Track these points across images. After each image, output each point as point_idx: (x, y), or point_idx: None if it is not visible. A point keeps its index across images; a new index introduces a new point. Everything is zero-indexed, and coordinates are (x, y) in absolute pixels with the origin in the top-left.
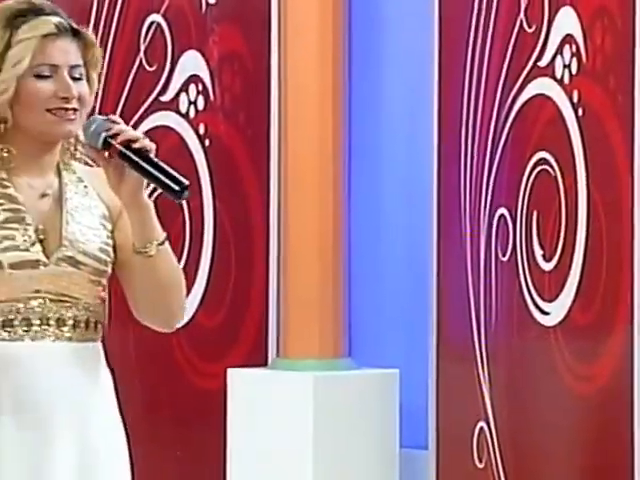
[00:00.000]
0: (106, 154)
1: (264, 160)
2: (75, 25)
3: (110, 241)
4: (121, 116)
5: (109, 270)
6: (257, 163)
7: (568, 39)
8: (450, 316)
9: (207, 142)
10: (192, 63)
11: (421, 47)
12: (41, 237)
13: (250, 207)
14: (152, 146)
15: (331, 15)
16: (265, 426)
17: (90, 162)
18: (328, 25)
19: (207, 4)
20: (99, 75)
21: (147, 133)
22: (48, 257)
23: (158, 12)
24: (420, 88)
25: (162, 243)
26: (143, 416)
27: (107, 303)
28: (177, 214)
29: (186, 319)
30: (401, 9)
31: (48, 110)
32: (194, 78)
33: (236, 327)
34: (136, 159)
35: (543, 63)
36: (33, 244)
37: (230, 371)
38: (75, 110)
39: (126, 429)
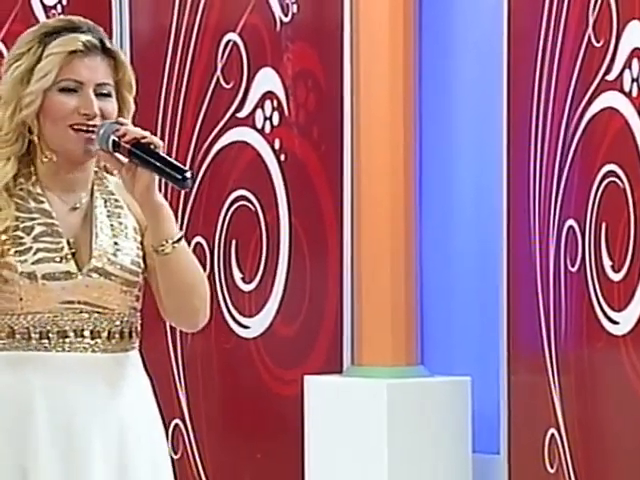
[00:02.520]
0: (118, 156)
1: (337, 174)
2: (108, 44)
3: (140, 252)
4: (199, 133)
5: (140, 280)
6: (331, 177)
7: (636, 53)
8: (520, 324)
9: (282, 157)
10: (267, 80)
11: (490, 62)
12: (73, 250)
13: (324, 220)
14: (159, 143)
15: (402, 32)
16: (340, 431)
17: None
18: (399, 42)
19: (282, 23)
20: (135, 98)
21: (225, 149)
22: (80, 269)
23: (234, 31)
24: (489, 101)
25: (178, 241)
26: (222, 422)
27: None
28: (254, 228)
29: (264, 328)
30: (471, 25)
31: (70, 126)
32: (269, 95)
33: (312, 336)
34: (143, 155)
35: (611, 77)
36: (65, 256)
37: (306, 378)
38: (95, 127)
39: (196, 434)
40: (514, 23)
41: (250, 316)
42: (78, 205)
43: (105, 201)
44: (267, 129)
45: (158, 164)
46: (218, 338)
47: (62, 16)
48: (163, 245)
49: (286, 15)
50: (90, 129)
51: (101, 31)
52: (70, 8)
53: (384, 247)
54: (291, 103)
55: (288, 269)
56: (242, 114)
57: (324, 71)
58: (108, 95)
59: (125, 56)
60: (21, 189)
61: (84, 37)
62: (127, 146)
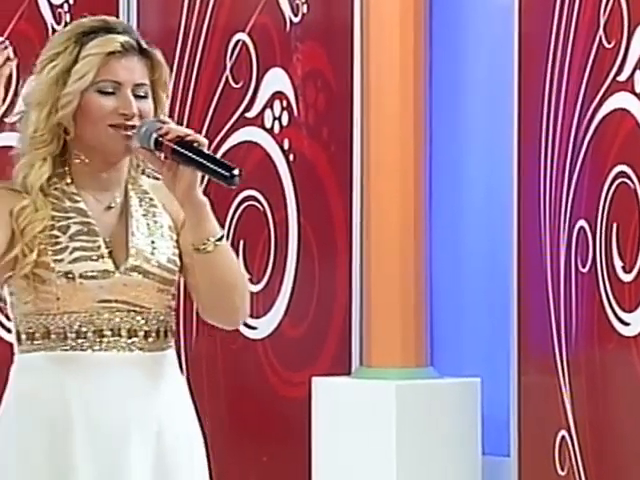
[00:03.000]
0: (159, 154)
1: (347, 174)
2: (144, 45)
3: (176, 250)
4: (208, 132)
5: (177, 279)
6: (340, 177)
7: None
8: (531, 325)
9: (291, 157)
10: (277, 80)
11: (501, 62)
12: (110, 248)
13: (333, 220)
14: (204, 141)
15: (412, 32)
16: (348, 433)
17: (158, 176)
18: (409, 42)
19: (291, 23)
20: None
21: (233, 148)
22: (117, 267)
23: (244, 31)
24: (500, 101)
25: (219, 240)
26: (229, 424)
27: (193, 313)
28: (262, 228)
29: (271, 329)
30: (481, 25)
31: (109, 125)
32: (278, 95)
33: (320, 337)
34: (187, 153)
35: (622, 78)
36: (102, 255)
37: (314, 380)
38: (134, 127)
39: (206, 436)
40: (525, 23)
41: (257, 317)
42: (113, 204)
43: (140, 200)
44: (276, 129)
45: (204, 162)
46: (224, 339)
47: (97, 16)
48: (205, 243)
49: (296, 15)
50: (129, 128)
51: (136, 31)
52: (77, 7)
53: (393, 248)
54: (300, 103)
55: (296, 270)
56: (251, 114)
57: (334, 71)
58: (145, 96)
59: (162, 56)
60: (55, 189)
61: (122, 38)
62: (171, 144)
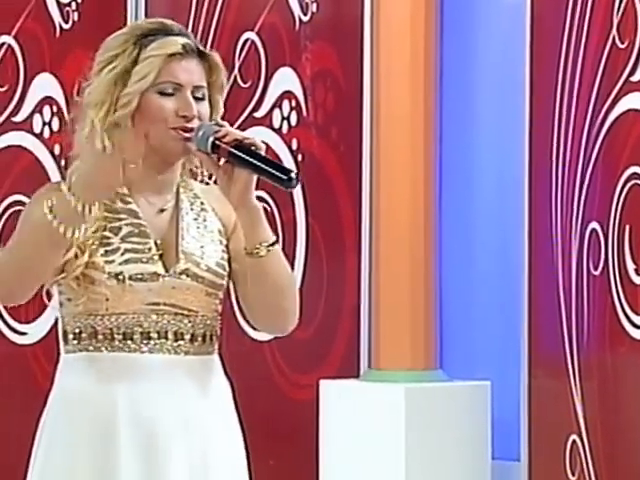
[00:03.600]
0: (215, 157)
1: (356, 175)
2: (202, 47)
3: (225, 255)
4: None
5: (225, 283)
6: (349, 178)
7: None
8: (542, 328)
9: (300, 157)
10: (286, 79)
11: (512, 61)
12: (160, 251)
13: (342, 221)
14: (261, 144)
15: (423, 31)
16: (357, 437)
17: (209, 181)
18: (420, 41)
19: (300, 22)
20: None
21: None
22: (167, 270)
23: (252, 30)
24: (512, 103)
25: (273, 244)
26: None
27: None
28: (270, 227)
29: None
30: (492, 23)
31: (169, 127)
32: (287, 94)
33: (328, 339)
34: (244, 156)
35: (636, 78)
36: (153, 257)
37: (322, 382)
38: (193, 129)
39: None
40: (537, 22)
41: None
42: (165, 207)
43: (191, 204)
44: (285, 129)
45: (261, 165)
46: (231, 341)
47: (154, 19)
48: (257, 248)
49: (305, 14)
50: (188, 130)
51: (191, 34)
52: (85, 6)
53: (403, 249)
54: (309, 103)
55: (304, 270)
56: (259, 114)
57: (343, 71)
58: (203, 98)
59: (219, 59)
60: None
61: (182, 40)
62: (228, 147)
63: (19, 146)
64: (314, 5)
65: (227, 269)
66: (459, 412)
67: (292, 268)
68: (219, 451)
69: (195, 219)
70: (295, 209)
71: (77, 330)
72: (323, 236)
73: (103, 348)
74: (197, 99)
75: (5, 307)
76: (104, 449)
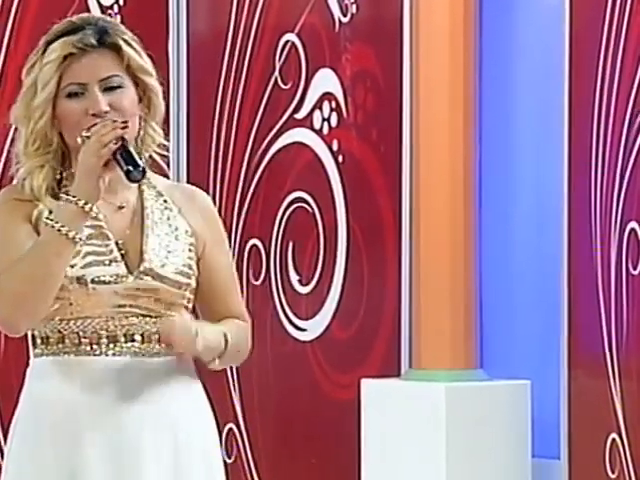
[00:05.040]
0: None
1: (396, 175)
2: (106, 37)
3: (192, 255)
4: (257, 133)
5: (192, 283)
6: (389, 178)
7: None
8: (581, 327)
9: (340, 158)
10: (326, 81)
11: (551, 62)
12: (122, 251)
13: (382, 221)
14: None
15: (462, 32)
16: (398, 435)
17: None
18: (459, 42)
19: (340, 23)
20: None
21: (282, 150)
22: (130, 272)
23: (293, 31)
24: (550, 102)
25: (220, 355)
26: (278, 425)
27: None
28: (311, 230)
29: (320, 331)
30: (532, 25)
31: (82, 129)
32: (327, 95)
33: (369, 339)
34: (118, 157)
35: None
36: (115, 259)
37: (364, 382)
38: (113, 122)
39: (250, 439)
40: (576, 23)
41: (307, 319)
42: (125, 204)
43: (154, 202)
44: (325, 130)
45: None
46: (274, 341)
47: (65, 19)
48: (212, 364)
49: (345, 15)
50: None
51: (104, 22)
52: (127, 9)
53: (443, 249)
54: (349, 104)
55: (345, 271)
56: (300, 115)
57: (383, 72)
58: (118, 87)
59: (133, 40)
60: (66, 192)
61: (76, 37)
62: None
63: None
64: (354, 6)
65: (194, 269)
66: (499, 411)
67: (333, 269)
68: (191, 453)
69: (160, 218)
70: (336, 209)
71: (44, 335)
72: (363, 236)
73: (70, 352)
74: (110, 89)
75: None
76: (71, 452)
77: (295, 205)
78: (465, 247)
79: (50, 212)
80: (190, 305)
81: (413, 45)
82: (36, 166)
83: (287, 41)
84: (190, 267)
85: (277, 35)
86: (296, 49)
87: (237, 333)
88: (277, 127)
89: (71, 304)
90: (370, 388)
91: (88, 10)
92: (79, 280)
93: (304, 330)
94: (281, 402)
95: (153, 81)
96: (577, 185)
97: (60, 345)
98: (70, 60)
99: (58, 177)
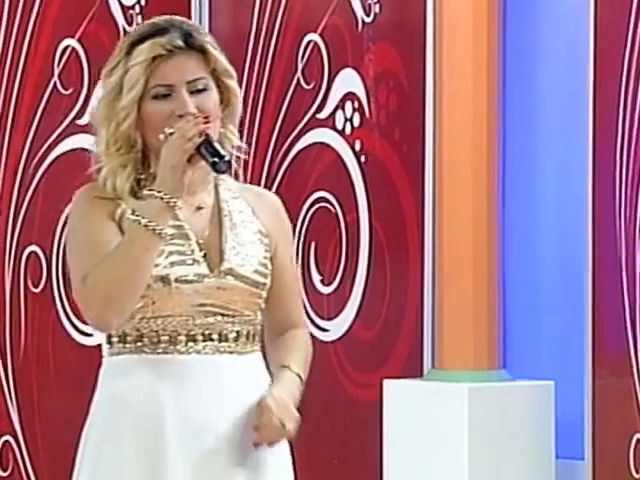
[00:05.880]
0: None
1: (419, 175)
2: (193, 39)
3: (268, 254)
4: (279, 133)
5: (268, 282)
6: (412, 179)
7: None
8: (605, 327)
9: (363, 158)
10: (348, 81)
11: (576, 62)
12: (203, 251)
13: (405, 222)
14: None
15: (486, 32)
16: (420, 436)
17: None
18: (483, 42)
19: (363, 23)
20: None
21: (305, 150)
22: (212, 271)
23: (315, 31)
24: (575, 102)
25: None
26: (300, 425)
27: None
28: (334, 230)
29: (343, 331)
30: (556, 23)
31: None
32: (350, 95)
33: (392, 339)
34: (203, 152)
35: None
36: (197, 258)
37: (386, 382)
38: (195, 117)
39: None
40: (600, 22)
41: (329, 319)
42: (203, 205)
43: (231, 203)
44: (347, 130)
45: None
46: None
47: (148, 21)
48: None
49: (368, 15)
50: None
51: (188, 25)
52: (149, 8)
53: (466, 249)
54: (372, 104)
55: (368, 271)
56: (322, 115)
57: (406, 72)
58: (203, 90)
59: (216, 44)
60: (149, 189)
61: (164, 39)
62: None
63: (84, 149)
64: (377, 6)
65: (269, 268)
66: (523, 412)
67: (355, 269)
68: (266, 450)
69: (237, 218)
70: (359, 210)
71: (122, 332)
72: (386, 237)
73: (148, 350)
74: (197, 92)
75: (72, 308)
76: (152, 451)
77: (317, 205)
78: (488, 246)
79: (133, 211)
80: (264, 305)
81: (436, 45)
82: (119, 166)
83: (310, 41)
84: (266, 266)
85: (300, 35)
86: (319, 49)
87: (305, 357)
88: (299, 127)
89: (153, 303)
90: (392, 389)
91: (109, 9)
92: (163, 279)
93: (326, 330)
94: (303, 402)
95: (234, 83)
96: (602, 184)
97: (138, 343)
98: (157, 62)
99: (138, 178)
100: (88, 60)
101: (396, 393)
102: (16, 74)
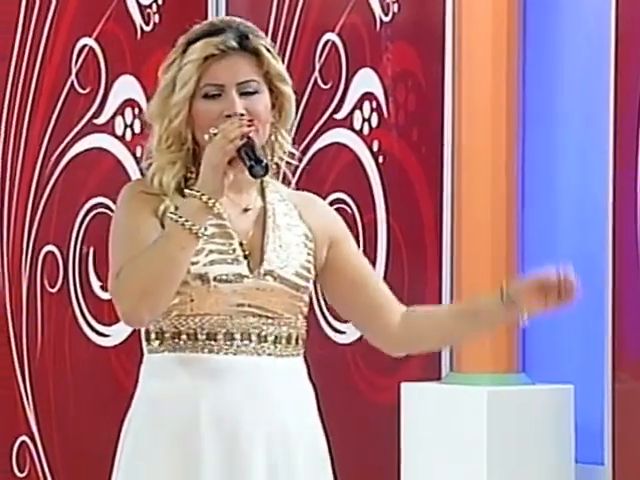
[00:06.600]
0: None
1: (437, 176)
2: (247, 41)
3: (311, 259)
4: (296, 133)
5: (310, 287)
6: (430, 179)
7: None
8: (625, 331)
9: (381, 159)
10: (366, 81)
11: (596, 63)
12: (246, 252)
13: (423, 222)
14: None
15: (505, 32)
16: (438, 440)
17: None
18: (502, 42)
19: (381, 22)
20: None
21: (322, 150)
22: (252, 271)
23: (333, 31)
24: (595, 102)
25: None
26: None
27: None
28: (351, 230)
29: (360, 333)
30: (576, 24)
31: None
32: (368, 96)
33: None
34: (243, 155)
35: None
36: (237, 258)
37: (404, 385)
38: (240, 119)
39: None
40: (621, 23)
41: (346, 321)
42: (251, 207)
43: (277, 205)
44: (365, 130)
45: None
46: (312, 344)
47: (206, 21)
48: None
49: (386, 15)
50: None
51: (245, 26)
52: (166, 7)
53: (484, 250)
54: (390, 104)
55: (386, 272)
56: (340, 115)
57: (424, 72)
58: (254, 92)
59: (271, 47)
60: (192, 188)
61: (218, 39)
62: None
63: (101, 148)
64: (395, 5)
65: (312, 272)
66: (542, 416)
67: (373, 269)
68: (301, 455)
69: (281, 221)
70: (376, 210)
71: (160, 330)
72: (404, 237)
73: (186, 348)
74: (247, 94)
75: (88, 309)
76: (186, 449)
77: (335, 206)
78: (507, 248)
79: (176, 208)
80: (306, 309)
81: (455, 44)
82: (168, 162)
83: (328, 40)
84: (309, 270)
85: (317, 34)
86: (337, 49)
87: None
88: (317, 127)
89: (192, 300)
90: (410, 392)
91: (126, 8)
92: (201, 277)
93: (343, 333)
94: (319, 405)
95: (288, 88)
96: (622, 186)
97: (176, 340)
98: (210, 61)
99: (188, 175)
100: (105, 59)
101: (414, 396)
102: (33, 73)
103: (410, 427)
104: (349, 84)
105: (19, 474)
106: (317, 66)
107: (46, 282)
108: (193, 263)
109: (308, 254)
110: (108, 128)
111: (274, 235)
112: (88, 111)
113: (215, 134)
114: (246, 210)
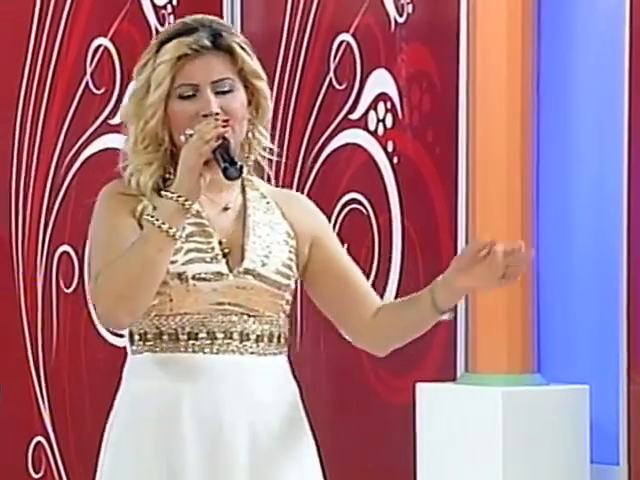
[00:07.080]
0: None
1: (452, 177)
2: (220, 39)
3: (293, 256)
4: (311, 134)
5: (292, 285)
6: (445, 181)
7: None
8: None
9: (395, 160)
10: (381, 81)
11: (611, 63)
12: (226, 250)
13: (438, 224)
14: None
15: (520, 33)
16: (453, 440)
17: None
18: (517, 43)
19: (396, 23)
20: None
21: (336, 151)
22: (231, 270)
23: (348, 31)
24: (610, 102)
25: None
26: (332, 429)
27: (298, 318)
28: (366, 232)
29: None
30: (591, 25)
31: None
32: (383, 96)
33: (425, 342)
34: (217, 155)
35: None
36: (216, 256)
37: (419, 385)
38: (215, 120)
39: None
40: (636, 21)
41: None
42: (231, 205)
43: (257, 203)
44: (380, 131)
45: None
46: (327, 344)
47: (179, 20)
48: (445, 312)
49: (401, 15)
50: None
51: (218, 25)
52: (180, 8)
53: None
54: (405, 105)
55: (400, 273)
56: (355, 116)
57: (439, 72)
58: (229, 91)
59: (245, 44)
60: (168, 190)
61: (191, 39)
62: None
63: (115, 149)
64: (410, 6)
65: (294, 271)
66: (557, 416)
67: (388, 271)
68: (285, 452)
69: (262, 219)
70: (391, 212)
71: (142, 331)
72: (419, 239)
73: (168, 349)
74: (222, 93)
75: None
76: (169, 449)
77: (349, 207)
78: None
79: (154, 209)
80: (289, 308)
81: (470, 45)
82: (144, 163)
83: (342, 41)
84: (290, 268)
85: (332, 35)
86: (351, 49)
87: None
88: (331, 128)
89: (171, 300)
90: (425, 392)
91: (141, 9)
92: (180, 276)
93: None
94: (334, 406)
95: (263, 85)
96: (637, 185)
97: (158, 341)
98: (184, 61)
99: (165, 176)
100: (120, 59)
101: (429, 397)
102: (48, 73)
103: (425, 427)
104: (363, 85)
105: (34, 475)
106: (332, 67)
107: (61, 282)
108: (172, 262)
109: (290, 252)
110: (122, 128)
111: (254, 233)
112: (103, 111)
113: (191, 135)
114: (226, 209)
